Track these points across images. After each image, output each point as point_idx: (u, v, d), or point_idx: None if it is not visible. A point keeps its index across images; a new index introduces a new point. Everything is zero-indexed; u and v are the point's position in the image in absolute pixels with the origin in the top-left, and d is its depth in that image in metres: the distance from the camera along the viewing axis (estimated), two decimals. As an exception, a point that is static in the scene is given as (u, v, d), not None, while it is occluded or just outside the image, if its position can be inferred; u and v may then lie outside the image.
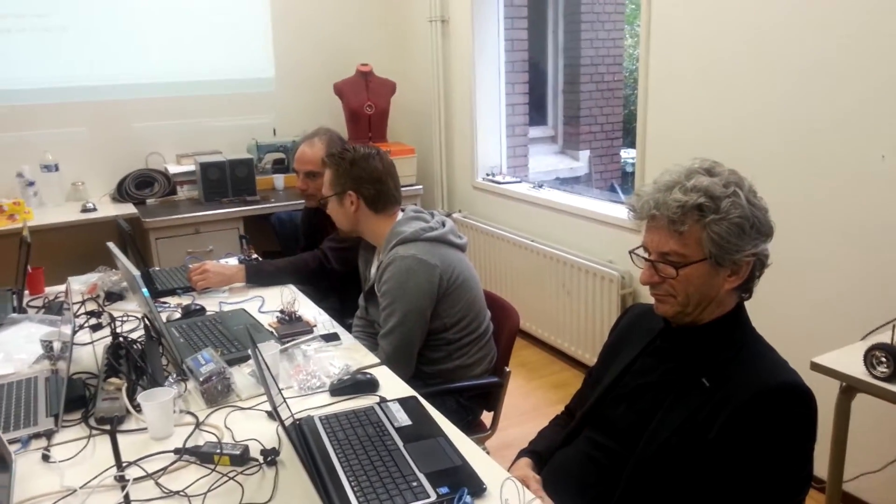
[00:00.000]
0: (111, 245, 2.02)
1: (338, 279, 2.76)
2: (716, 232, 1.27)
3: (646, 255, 1.36)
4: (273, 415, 1.61)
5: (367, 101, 4.40)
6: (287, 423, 1.47)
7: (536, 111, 5.75)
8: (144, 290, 1.74)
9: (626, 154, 6.45)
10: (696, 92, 2.79)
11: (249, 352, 1.84)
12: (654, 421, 1.34)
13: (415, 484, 1.33)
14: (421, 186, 4.40)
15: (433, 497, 1.29)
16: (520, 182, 4.11)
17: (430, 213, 2.24)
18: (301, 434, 1.51)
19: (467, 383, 2.13)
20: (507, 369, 2.18)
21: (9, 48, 3.92)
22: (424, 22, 4.41)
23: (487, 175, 4.27)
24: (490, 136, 4.27)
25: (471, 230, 4.23)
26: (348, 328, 2.26)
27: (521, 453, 1.59)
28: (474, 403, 2.21)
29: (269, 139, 4.46)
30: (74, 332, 2.01)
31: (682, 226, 1.28)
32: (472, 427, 2.21)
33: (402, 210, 2.23)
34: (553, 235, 3.70)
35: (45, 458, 1.49)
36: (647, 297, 1.47)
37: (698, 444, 1.26)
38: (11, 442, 1.53)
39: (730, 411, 1.24)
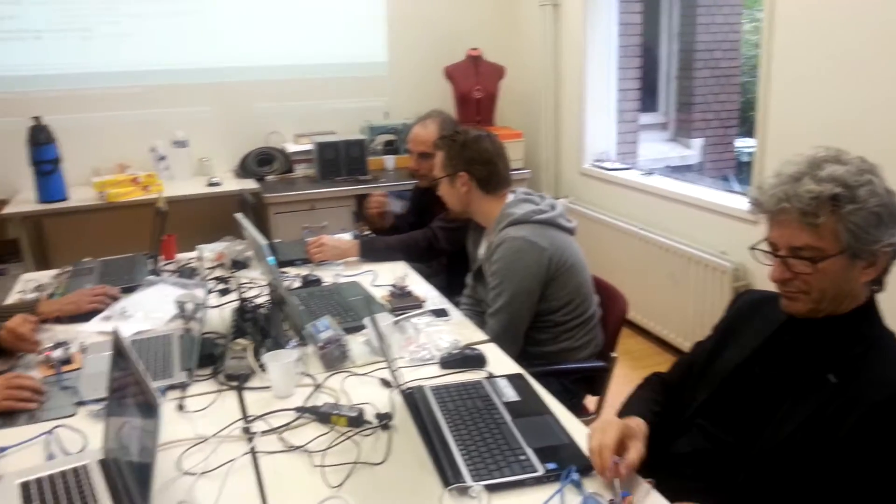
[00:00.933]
0: (240, 216, 2.15)
1: (446, 258, 2.83)
2: (853, 222, 1.21)
3: (774, 251, 1.32)
4: (386, 382, 1.69)
5: (476, 85, 4.44)
6: (403, 390, 1.54)
7: (648, 97, 5.60)
8: (271, 258, 1.85)
9: (742, 143, 6.19)
10: (821, 80, 2.65)
11: (364, 321, 1.92)
12: (776, 416, 1.30)
13: (522, 457, 1.36)
14: (528, 171, 4.41)
15: (541, 471, 1.32)
16: (629, 169, 4.04)
17: (539, 195, 2.26)
18: (412, 402, 1.58)
19: (573, 366, 2.14)
20: (614, 355, 2.18)
21: (144, 33, 4.19)
22: (536, 6, 4.39)
23: (596, 161, 4.22)
24: (599, 121, 4.22)
25: (577, 216, 4.16)
26: (455, 305, 2.31)
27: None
28: (579, 387, 2.21)
29: (380, 121, 4.58)
30: (206, 296, 2.16)
31: (817, 218, 1.23)
32: (576, 410, 2.22)
33: (513, 192, 2.25)
34: (662, 224, 3.63)
35: (180, 407, 1.62)
36: (762, 286, 1.43)
37: (825, 442, 1.22)
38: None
39: (863, 411, 1.19)
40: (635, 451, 1.31)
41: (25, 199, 3.84)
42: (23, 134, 3.70)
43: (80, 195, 3.87)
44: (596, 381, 2.22)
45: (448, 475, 1.30)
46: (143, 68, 4.24)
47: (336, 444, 1.45)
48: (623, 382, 1.64)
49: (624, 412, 1.51)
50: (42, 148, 3.72)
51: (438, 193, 2.34)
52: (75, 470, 1.35)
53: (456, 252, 2.62)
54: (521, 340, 2.11)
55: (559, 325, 2.13)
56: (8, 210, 3.70)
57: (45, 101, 4.03)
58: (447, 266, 2.89)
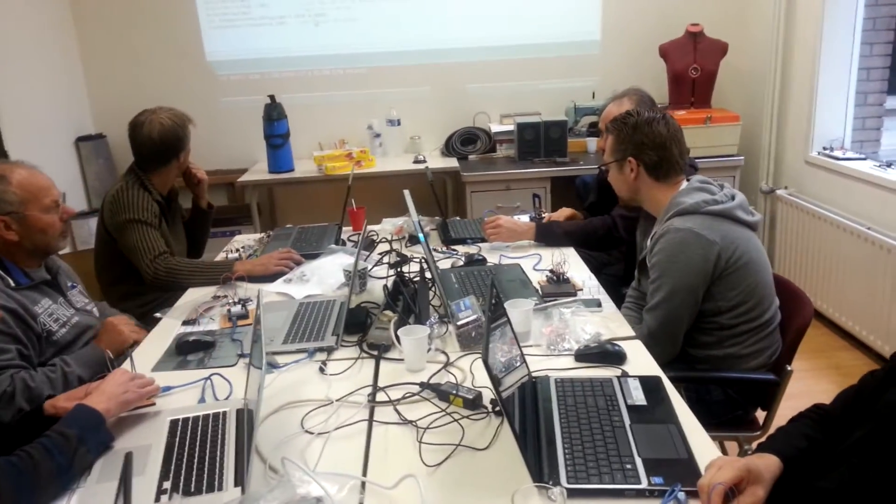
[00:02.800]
0: (406, 192, 2.23)
1: (625, 247, 2.70)
2: None
3: None
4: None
5: (693, 63, 4.13)
6: (523, 380, 1.51)
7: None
8: (420, 234, 1.90)
9: None
10: None
11: (506, 305, 1.90)
12: None
13: (629, 466, 1.27)
14: (742, 158, 4.02)
15: (643, 484, 1.23)
16: (864, 159, 3.52)
17: (719, 184, 2.05)
18: (533, 391, 1.54)
19: (735, 375, 1.94)
20: (789, 368, 1.93)
21: (370, 17, 4.47)
22: (768, -25, 3.96)
23: (825, 149, 3.73)
24: (834, 104, 3.71)
25: (795, 210, 3.77)
26: (622, 299, 2.20)
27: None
28: (746, 398, 2.00)
29: (587, 102, 4.46)
30: (367, 267, 2.28)
31: None
32: (741, 423, 2.02)
33: (688, 180, 2.07)
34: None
35: (321, 370, 1.73)
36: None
37: None
38: (300, 351, 1.82)
39: None
40: (752, 498, 1.16)
41: (260, 169, 4.33)
42: (260, 111, 4.16)
43: (303, 167, 4.27)
44: (767, 394, 1.99)
45: (535, 471, 1.25)
46: (366, 50, 4.53)
47: (447, 425, 1.46)
48: (819, 397, 1.42)
49: (766, 444, 1.34)
50: (275, 123, 4.16)
51: (609, 179, 2.23)
52: (217, 414, 1.51)
53: (635, 242, 2.49)
54: (679, 342, 1.95)
55: (726, 329, 1.93)
56: (244, 178, 4.19)
57: (280, 82, 4.49)
58: (625, 255, 2.76)
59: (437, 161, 4.33)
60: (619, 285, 2.53)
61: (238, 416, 1.50)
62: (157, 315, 2.09)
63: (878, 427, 1.22)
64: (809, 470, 1.26)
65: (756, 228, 2.00)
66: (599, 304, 2.01)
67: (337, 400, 1.57)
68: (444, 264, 2.43)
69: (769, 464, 1.21)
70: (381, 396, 1.58)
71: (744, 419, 2.03)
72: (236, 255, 2.65)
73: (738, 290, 1.91)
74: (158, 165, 2.57)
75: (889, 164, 3.34)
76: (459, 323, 1.80)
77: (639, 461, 1.28)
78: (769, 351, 1.97)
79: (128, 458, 1.37)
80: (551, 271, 2.18)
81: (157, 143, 2.53)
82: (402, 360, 1.73)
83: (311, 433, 1.46)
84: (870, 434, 1.23)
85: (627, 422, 1.41)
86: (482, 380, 1.62)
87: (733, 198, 1.98)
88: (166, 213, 2.64)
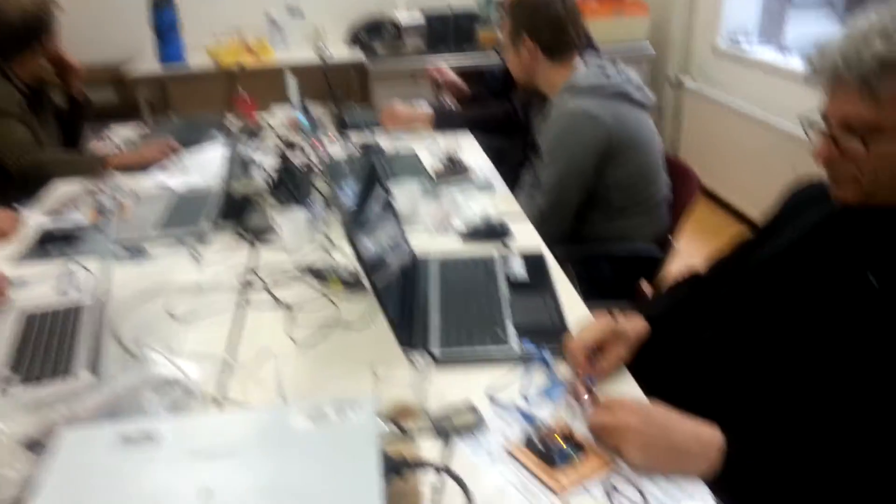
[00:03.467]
0: (288, 73, 2.09)
1: (528, 134, 2.65)
2: None
3: (824, 126, 1.06)
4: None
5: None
6: (406, 258, 1.46)
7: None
8: (301, 116, 1.79)
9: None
10: None
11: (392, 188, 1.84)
12: (801, 319, 1.09)
13: (500, 332, 1.26)
14: (651, 48, 4.00)
15: (514, 348, 1.22)
16: (770, 49, 3.54)
17: (614, 64, 2.00)
18: (414, 272, 1.50)
19: (622, 250, 1.95)
20: (675, 243, 1.96)
21: None
22: None
23: (732, 39, 3.73)
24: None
25: (702, 100, 3.81)
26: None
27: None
28: (633, 273, 2.03)
29: (497, -8, 4.31)
30: (251, 155, 2.16)
31: (879, 88, 0.97)
32: (628, 297, 2.06)
33: (585, 62, 2.01)
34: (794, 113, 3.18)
35: (194, 257, 1.65)
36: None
37: (853, 353, 1.01)
38: (172, 238, 1.72)
39: None
40: (613, 356, 1.17)
41: (149, 67, 3.99)
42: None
43: (198, 61, 3.99)
44: (655, 269, 2.02)
45: (404, 338, 1.22)
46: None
47: (317, 303, 1.41)
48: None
49: (637, 309, 1.35)
50: (161, 11, 3.83)
51: (507, 63, 2.15)
52: (74, 307, 1.41)
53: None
54: (569, 221, 1.94)
55: (615, 208, 1.93)
56: (133, 73, 3.89)
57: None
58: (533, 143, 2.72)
59: (343, 52, 4.14)
60: (522, 173, 2.50)
61: (99, 307, 1.41)
62: (15, 206, 1.94)
63: (740, 288, 1.24)
64: (677, 329, 1.27)
65: (649, 109, 1.98)
66: (492, 187, 1.97)
67: (208, 284, 1.50)
68: (336, 150, 2.33)
69: (635, 325, 1.22)
70: (256, 280, 1.51)
71: (631, 293, 2.07)
72: (113, 147, 2.48)
73: (628, 170, 1.90)
74: (19, 51, 2.33)
75: (791, 53, 3.36)
76: (344, 204, 1.73)
77: (511, 328, 1.27)
78: (657, 227, 1.99)
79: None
80: (446, 156, 2.12)
81: (17, 26, 2.28)
82: (281, 243, 1.66)
83: (178, 319, 1.39)
84: (731, 295, 1.25)
85: (505, 294, 1.40)
86: (363, 261, 1.57)
87: (629, 80, 1.95)
88: (34, 105, 2.42)
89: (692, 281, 1.40)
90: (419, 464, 0.73)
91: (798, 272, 1.15)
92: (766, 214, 1.33)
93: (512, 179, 2.11)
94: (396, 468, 0.72)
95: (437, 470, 0.73)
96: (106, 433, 0.71)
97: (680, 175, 2.05)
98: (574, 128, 1.86)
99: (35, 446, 0.94)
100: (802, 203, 1.27)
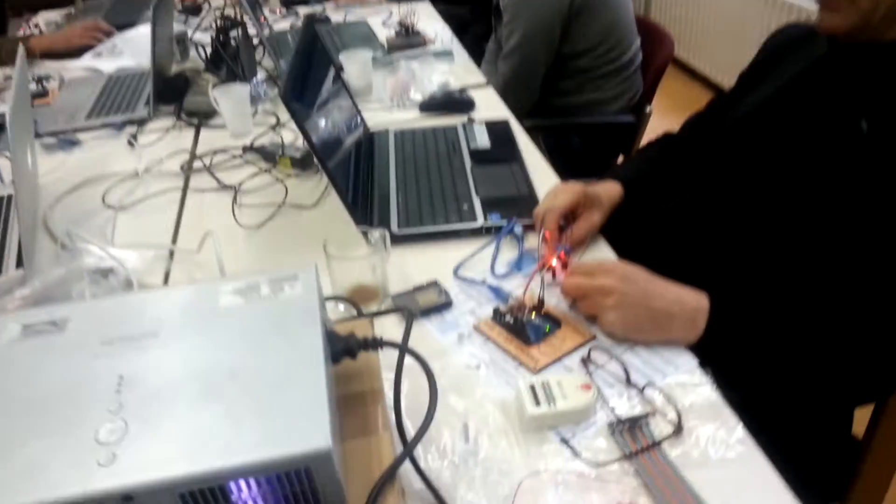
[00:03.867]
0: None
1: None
2: None
3: None
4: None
5: None
6: (357, 133, 1.34)
7: None
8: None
9: None
10: None
11: (340, 58, 1.68)
12: (786, 169, 1.00)
13: (465, 207, 1.16)
14: None
15: (480, 222, 1.13)
16: None
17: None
18: (370, 146, 1.38)
19: (594, 120, 1.85)
20: (649, 108, 1.85)
21: None
22: None
23: None
24: None
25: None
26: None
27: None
28: (606, 144, 1.93)
29: None
30: (188, 32, 1.97)
31: None
32: (602, 170, 1.97)
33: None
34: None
35: (130, 143, 1.50)
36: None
37: (841, 202, 0.92)
38: (107, 126, 1.57)
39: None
40: (586, 222, 1.07)
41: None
42: None
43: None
44: (627, 139, 1.92)
45: (361, 217, 1.12)
46: None
47: (270, 186, 1.30)
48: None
49: (609, 173, 1.25)
50: None
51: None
52: (1, 198, 1.29)
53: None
54: (537, 89, 1.82)
55: (585, 73, 1.81)
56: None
57: None
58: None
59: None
60: (484, 43, 2.34)
61: (27, 198, 1.27)
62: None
63: (722, 143, 1.14)
64: (653, 191, 1.19)
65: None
66: (451, 55, 1.83)
67: (146, 171, 1.37)
68: (282, 26, 2.14)
69: (608, 189, 1.13)
70: (198, 165, 1.39)
71: (606, 166, 1.98)
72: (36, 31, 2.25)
73: (595, 29, 1.76)
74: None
75: None
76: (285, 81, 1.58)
77: (476, 201, 1.18)
78: (629, 94, 1.88)
79: None
80: (400, 23, 1.95)
81: None
82: (224, 126, 1.52)
83: (115, 208, 1.27)
84: (717, 146, 1.16)
85: (469, 165, 1.29)
86: (314, 138, 1.44)
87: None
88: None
89: (665, 141, 1.30)
90: (375, 343, 0.64)
91: (784, 120, 1.05)
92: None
93: (476, 53, 1.96)
94: (349, 349, 0.63)
95: (397, 349, 0.65)
96: (5, 323, 0.61)
97: (652, 36, 1.91)
98: (537, -15, 1.70)
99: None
100: (784, 48, 1.16)
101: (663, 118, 1.82)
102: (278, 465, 0.50)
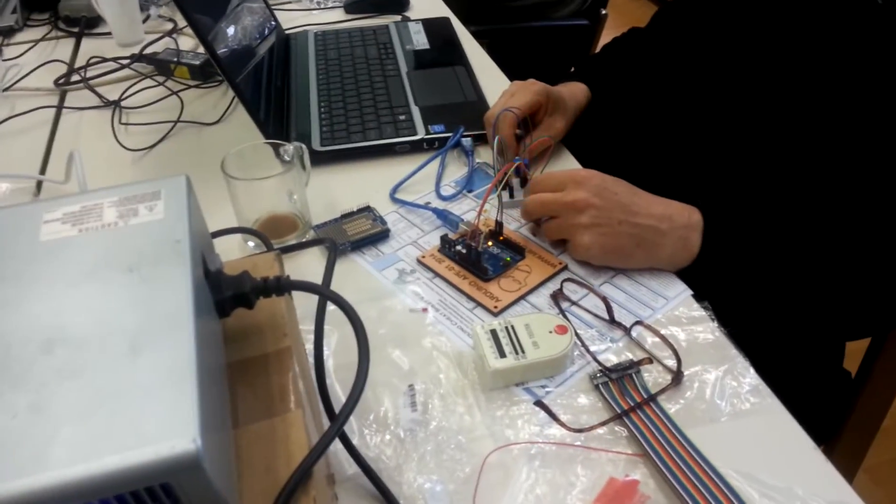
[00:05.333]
0: None
1: None
2: None
3: None
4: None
5: None
6: (271, 38, 1.11)
7: None
8: None
9: None
10: None
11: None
12: (785, 58, 0.82)
13: (402, 117, 0.97)
14: None
15: (420, 134, 0.93)
16: None
17: None
18: (285, 51, 1.16)
19: (543, 24, 1.65)
20: (604, 11, 1.66)
21: None
22: None
23: None
24: None
25: None
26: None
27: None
28: (559, 52, 1.73)
29: None
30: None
31: None
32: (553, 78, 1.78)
33: None
34: None
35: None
36: None
37: (850, 96, 0.76)
38: (-36, 36, 1.29)
39: None
40: (549, 129, 0.89)
41: None
42: None
43: None
44: (581, 47, 1.73)
45: (275, 132, 0.91)
46: None
47: (163, 99, 1.07)
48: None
49: (572, 74, 1.06)
50: None
51: None
52: None
53: None
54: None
55: (532, -32, 1.60)
56: None
57: None
58: None
59: None
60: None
61: None
62: None
63: (705, 33, 0.96)
64: (623, 92, 1.01)
65: None
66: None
67: (8, 88, 1.12)
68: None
69: (573, 90, 0.95)
70: (77, 80, 1.14)
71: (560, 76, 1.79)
72: None
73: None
74: None
75: None
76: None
77: (416, 111, 0.98)
78: (582, -5, 1.68)
79: None
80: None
81: None
82: (109, 35, 1.27)
83: (-29, 131, 1.03)
84: (694, 42, 0.97)
85: (404, 69, 1.09)
86: (219, 44, 1.21)
87: None
88: None
89: (633, 35, 1.12)
90: (279, 285, 0.46)
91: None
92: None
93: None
94: (241, 295, 0.45)
95: (313, 292, 0.47)
96: None
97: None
98: None
99: None
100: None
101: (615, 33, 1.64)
102: (116, 484, 0.32)
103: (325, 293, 0.48)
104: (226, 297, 0.45)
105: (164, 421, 0.33)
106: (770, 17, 0.87)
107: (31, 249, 0.42)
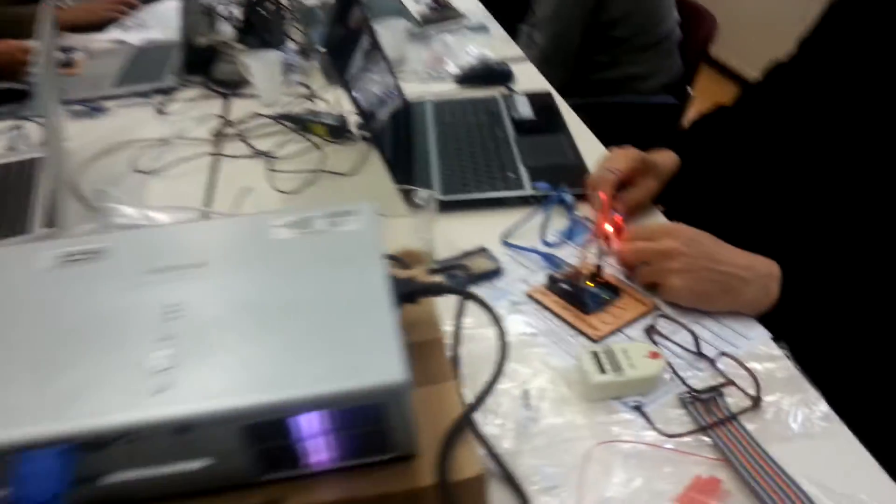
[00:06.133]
0: None
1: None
2: None
3: None
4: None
5: None
6: (395, 102, 1.29)
7: None
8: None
9: None
10: None
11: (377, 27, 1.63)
12: (869, 135, 0.92)
13: (511, 175, 1.11)
14: None
15: (527, 190, 1.07)
16: None
17: None
18: (407, 117, 1.33)
19: (635, 100, 1.78)
20: (689, 90, 1.79)
21: None
22: None
23: None
24: None
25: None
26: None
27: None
28: (646, 126, 1.87)
29: None
30: (214, 5, 1.92)
31: None
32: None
33: None
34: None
35: (160, 111, 1.46)
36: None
37: None
38: (135, 94, 1.52)
39: None
40: (642, 189, 1.02)
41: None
42: None
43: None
44: (668, 122, 1.86)
45: (404, 178, 1.06)
46: None
47: (306, 153, 1.25)
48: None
49: (661, 145, 1.19)
50: None
51: None
52: (26, 161, 1.24)
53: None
54: (572, 59, 1.76)
55: (622, 44, 1.75)
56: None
57: None
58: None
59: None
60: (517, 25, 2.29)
61: (54, 160, 1.23)
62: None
63: (799, 101, 1.06)
64: (711, 161, 1.12)
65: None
66: (487, 29, 1.77)
67: (176, 137, 1.32)
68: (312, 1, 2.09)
69: (665, 158, 1.07)
70: (229, 133, 1.34)
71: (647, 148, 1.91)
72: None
73: (632, -1, 1.70)
74: None
75: None
76: (323, 49, 1.53)
77: (523, 170, 1.12)
78: (667, 71, 1.81)
79: None
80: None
81: None
82: (255, 95, 1.47)
83: (145, 173, 1.22)
84: (786, 111, 1.07)
85: (512, 135, 1.24)
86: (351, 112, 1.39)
87: None
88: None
89: (720, 113, 1.23)
90: (438, 289, 0.59)
91: (863, 82, 0.97)
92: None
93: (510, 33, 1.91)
94: (410, 292, 0.58)
95: (462, 296, 0.60)
96: (41, 251, 0.56)
97: (692, 14, 1.85)
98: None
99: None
100: (855, 11, 1.08)
101: (703, 94, 1.76)
102: (349, 399, 0.45)
103: (471, 297, 0.61)
104: (400, 292, 0.58)
105: (380, 361, 0.46)
106: (854, 96, 0.98)
107: (266, 245, 0.57)
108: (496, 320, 0.58)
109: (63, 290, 0.51)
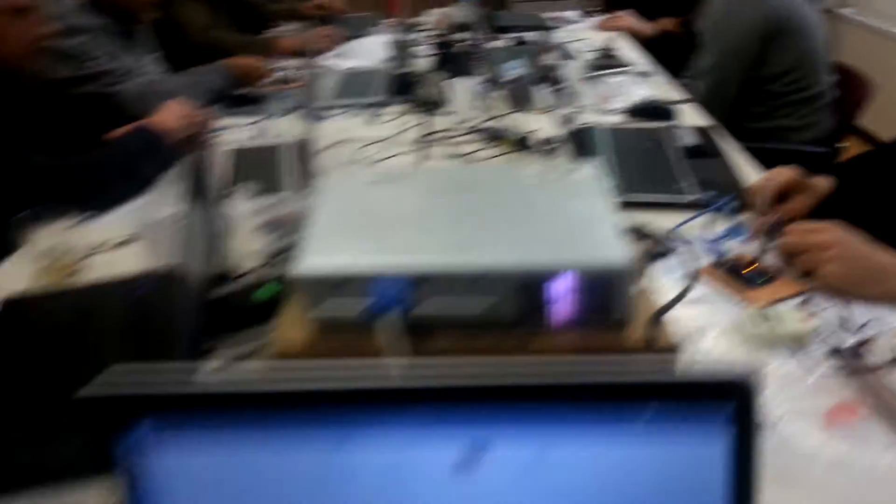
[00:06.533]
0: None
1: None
2: None
3: None
4: (567, 120, 1.66)
5: None
6: (575, 125, 1.51)
7: None
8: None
9: None
10: None
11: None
12: None
13: (677, 184, 1.29)
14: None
15: (695, 195, 1.25)
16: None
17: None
18: (577, 137, 1.53)
19: (790, 146, 1.92)
20: (844, 143, 1.90)
21: None
22: None
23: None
24: None
25: (858, 29, 3.59)
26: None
27: None
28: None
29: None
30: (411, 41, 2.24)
31: None
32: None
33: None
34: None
35: (371, 119, 1.75)
36: None
37: None
38: (352, 106, 1.83)
39: None
40: (797, 203, 1.16)
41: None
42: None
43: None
44: (819, 171, 1.96)
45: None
46: None
47: (492, 158, 1.49)
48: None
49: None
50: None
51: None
52: (272, 147, 1.56)
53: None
54: (728, 110, 1.92)
55: (777, 98, 1.90)
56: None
57: None
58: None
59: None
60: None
61: (301, 144, 1.54)
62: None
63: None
64: (866, 188, 1.25)
65: (818, 6, 1.91)
66: (650, 75, 1.97)
67: (389, 139, 1.61)
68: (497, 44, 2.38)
69: (821, 180, 1.22)
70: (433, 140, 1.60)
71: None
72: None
73: (792, 54, 1.86)
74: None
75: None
76: (508, 78, 1.78)
77: (690, 181, 1.30)
78: (820, 125, 1.94)
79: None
80: (603, 49, 2.13)
81: None
82: (451, 112, 1.74)
83: (368, 161, 1.51)
84: None
85: (680, 157, 1.42)
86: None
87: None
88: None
89: (882, 149, 1.36)
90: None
91: None
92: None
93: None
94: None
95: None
96: (358, 176, 0.83)
97: (847, 76, 1.97)
98: (734, 8, 1.83)
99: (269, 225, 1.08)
100: None
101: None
102: (590, 271, 0.66)
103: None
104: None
105: (613, 252, 0.67)
106: None
107: (518, 182, 0.79)
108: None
109: (380, 200, 0.78)
